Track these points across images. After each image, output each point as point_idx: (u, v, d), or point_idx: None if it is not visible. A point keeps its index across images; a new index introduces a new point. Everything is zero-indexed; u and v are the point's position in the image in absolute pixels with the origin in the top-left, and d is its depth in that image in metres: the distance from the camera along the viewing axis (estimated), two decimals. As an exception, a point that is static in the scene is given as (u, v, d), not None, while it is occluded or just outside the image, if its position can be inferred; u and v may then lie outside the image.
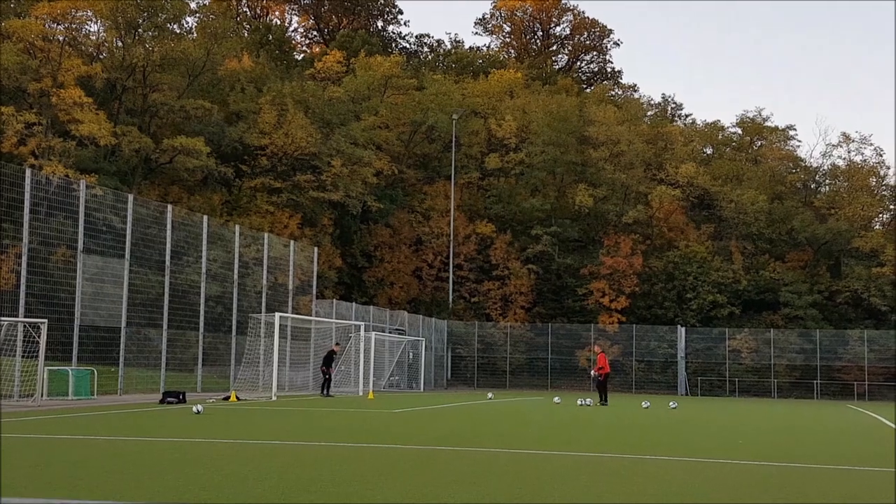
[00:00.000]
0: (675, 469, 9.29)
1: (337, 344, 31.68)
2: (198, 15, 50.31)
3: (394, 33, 76.17)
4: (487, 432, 14.05)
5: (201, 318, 27.74)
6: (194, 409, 17.25)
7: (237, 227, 31.56)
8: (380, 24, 75.80)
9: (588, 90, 75.31)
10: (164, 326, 26.08)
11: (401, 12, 76.47)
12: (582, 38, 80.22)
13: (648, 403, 26.07)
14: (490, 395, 30.65)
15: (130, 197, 25.55)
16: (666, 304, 52.52)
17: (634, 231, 54.53)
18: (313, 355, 33.78)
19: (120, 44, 43.09)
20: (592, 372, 28.49)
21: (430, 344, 46.60)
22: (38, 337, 19.54)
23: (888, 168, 58.70)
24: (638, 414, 22.15)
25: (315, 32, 76.53)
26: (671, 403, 26.63)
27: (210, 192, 44.11)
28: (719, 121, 70.25)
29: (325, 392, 28.77)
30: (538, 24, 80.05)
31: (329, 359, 29.65)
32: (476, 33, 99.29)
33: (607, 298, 51.34)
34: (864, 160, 58.76)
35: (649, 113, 69.46)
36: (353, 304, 40.00)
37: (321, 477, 7.90)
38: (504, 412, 21.63)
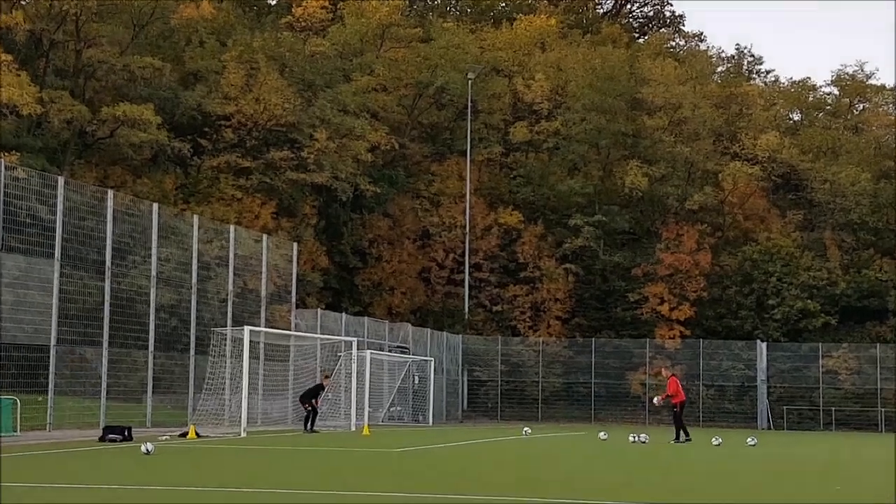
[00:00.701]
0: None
1: (326, 377, 31.79)
2: (144, -51, 50.45)
3: (393, -30, 76.10)
4: (514, 478, 14.05)
5: (151, 334, 27.81)
6: (143, 448, 17.41)
7: (196, 218, 31.60)
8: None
9: (641, 40, 75.14)
10: (105, 344, 26.19)
11: (402, -57, 76.28)
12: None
13: (720, 440, 26.07)
14: (526, 430, 30.78)
15: (61, 180, 25.66)
16: (742, 313, 52.35)
17: (701, 220, 54.35)
18: (293, 380, 33.88)
19: (46, -14, 43.28)
20: (656, 399, 28.12)
21: (441, 365, 46.62)
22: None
23: None
24: (707, 453, 22.03)
25: (293, -30, 76.56)
26: (749, 440, 26.59)
27: (161, 174, 44.29)
28: (809, 78, 70.26)
29: (308, 427, 28.91)
30: (577, -43, 79.89)
31: (313, 393, 29.79)
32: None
33: (667, 306, 51.24)
34: None
35: (719, 69, 69.29)
36: (343, 314, 40.07)
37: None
38: (535, 452, 21.55)
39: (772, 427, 48.08)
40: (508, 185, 57.39)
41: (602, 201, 55.07)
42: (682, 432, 26.39)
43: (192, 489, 11.46)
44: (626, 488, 12.65)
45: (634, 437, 26.20)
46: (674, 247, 52.60)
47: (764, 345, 49.69)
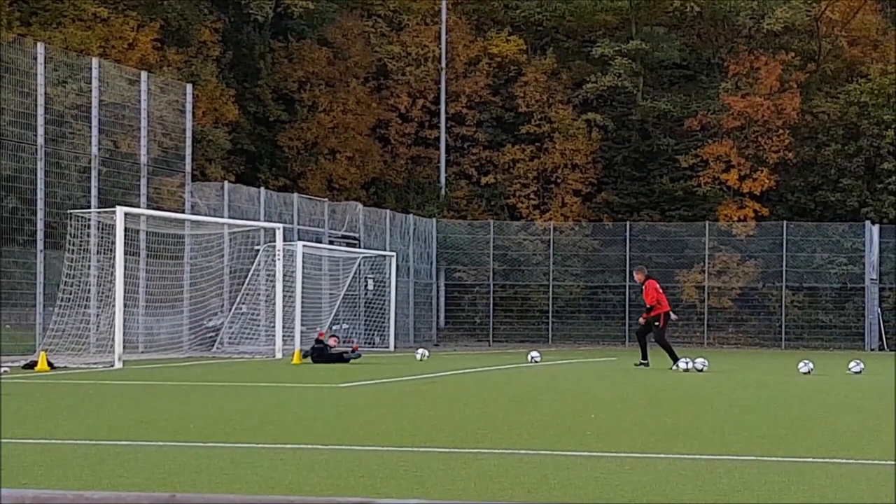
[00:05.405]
0: (862, 477, 9.46)
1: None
2: None
3: None
4: (509, 421, 14.32)
5: (-20, 220, 28.01)
6: (-27, 384, 17.59)
7: (40, 48, 31.35)
8: None
9: None
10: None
11: None
12: None
13: (811, 365, 26.28)
14: (534, 355, 31.25)
15: None
16: (844, 182, 52.39)
17: (786, 47, 54.10)
18: (190, 286, 34.02)
19: None
20: (641, 319, 30.88)
21: (407, 263, 46.89)
22: None
23: None
24: (794, 384, 22.25)
25: None
26: (852, 365, 26.86)
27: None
28: None
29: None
30: None
31: None
32: None
33: (735, 174, 51.40)
34: None
35: None
36: (262, 190, 40.15)
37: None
38: (547, 386, 21.83)
39: (885, 347, 48.42)
40: (504, -4, 56.81)
41: (642, 21, 54.68)
42: (670, 355, 27.84)
43: (40, 443, 11.49)
44: (678, 438, 12.96)
45: (688, 362, 26.50)
46: (746, 87, 52.45)
47: (876, 228, 49.67)
